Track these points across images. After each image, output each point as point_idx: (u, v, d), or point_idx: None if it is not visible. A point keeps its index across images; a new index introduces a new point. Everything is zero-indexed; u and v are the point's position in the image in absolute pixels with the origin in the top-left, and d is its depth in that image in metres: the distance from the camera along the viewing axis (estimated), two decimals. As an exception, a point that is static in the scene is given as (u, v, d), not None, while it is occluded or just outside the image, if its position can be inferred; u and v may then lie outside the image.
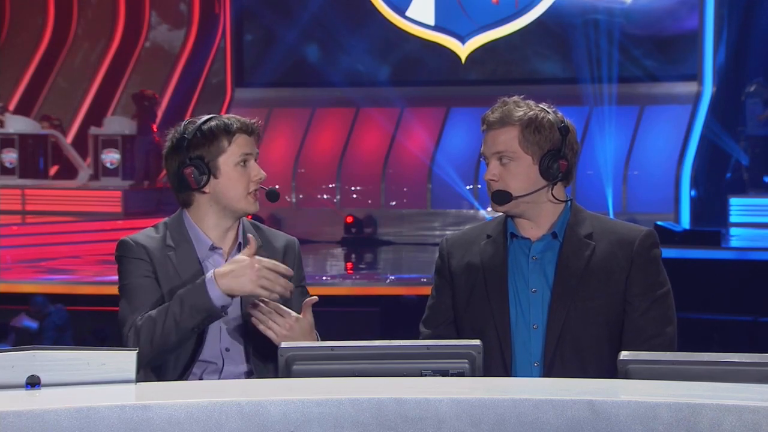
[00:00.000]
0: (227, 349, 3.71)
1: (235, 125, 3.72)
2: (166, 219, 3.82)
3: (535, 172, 3.58)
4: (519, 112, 3.59)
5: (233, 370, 3.71)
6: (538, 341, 3.56)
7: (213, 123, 3.72)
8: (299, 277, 3.83)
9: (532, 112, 3.60)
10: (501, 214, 3.68)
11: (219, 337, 3.71)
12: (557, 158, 3.58)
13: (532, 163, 3.58)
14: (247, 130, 3.74)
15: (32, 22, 20.64)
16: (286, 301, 3.77)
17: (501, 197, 3.58)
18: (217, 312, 3.56)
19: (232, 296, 3.57)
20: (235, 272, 3.54)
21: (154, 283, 3.71)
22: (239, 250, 3.76)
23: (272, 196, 3.81)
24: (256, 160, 3.77)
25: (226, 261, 3.74)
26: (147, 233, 3.79)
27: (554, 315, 3.55)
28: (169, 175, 3.78)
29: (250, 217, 3.87)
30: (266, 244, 3.80)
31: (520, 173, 3.58)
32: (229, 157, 3.72)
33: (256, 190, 3.76)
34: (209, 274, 3.57)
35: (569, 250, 3.59)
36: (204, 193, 3.73)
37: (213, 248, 3.75)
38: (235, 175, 3.72)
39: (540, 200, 3.60)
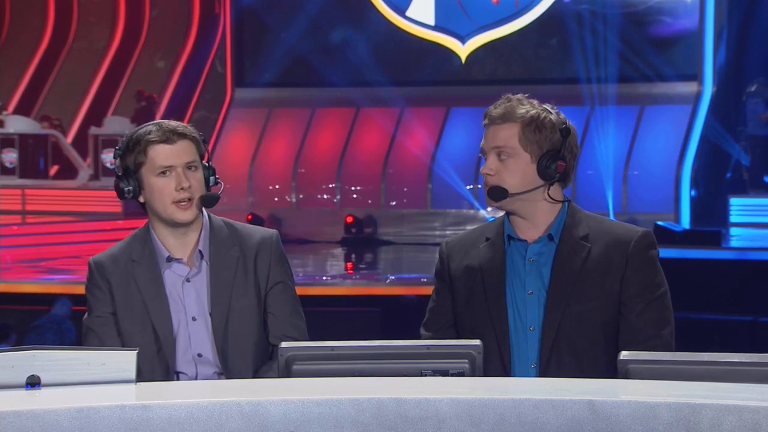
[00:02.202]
0: (200, 355, 3.69)
1: (148, 136, 3.65)
2: (138, 229, 3.80)
3: (533, 171, 3.58)
4: (522, 110, 3.59)
5: (207, 372, 3.68)
6: (534, 343, 3.56)
7: (137, 132, 3.68)
8: (277, 273, 3.76)
9: (534, 111, 3.59)
10: (501, 215, 3.68)
11: (189, 345, 3.69)
12: (556, 159, 3.57)
13: (530, 161, 3.58)
14: (167, 139, 3.65)
15: (32, 22, 20.64)
16: (265, 299, 3.75)
17: (496, 193, 3.58)
18: None
19: None
20: None
21: (107, 323, 3.69)
22: (201, 257, 3.71)
23: (208, 200, 3.70)
24: (191, 168, 3.66)
25: (190, 270, 3.71)
26: (114, 249, 3.78)
27: (550, 317, 3.54)
28: None
29: (250, 217, 3.83)
30: (240, 245, 3.74)
31: (517, 170, 3.58)
32: (148, 168, 3.66)
33: (186, 199, 3.66)
34: None
35: (565, 251, 3.58)
36: (141, 202, 3.72)
37: (171, 259, 3.72)
38: (157, 186, 3.66)
39: (536, 199, 3.60)
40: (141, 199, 3.71)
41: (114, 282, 3.69)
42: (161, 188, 3.65)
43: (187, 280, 3.72)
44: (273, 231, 3.82)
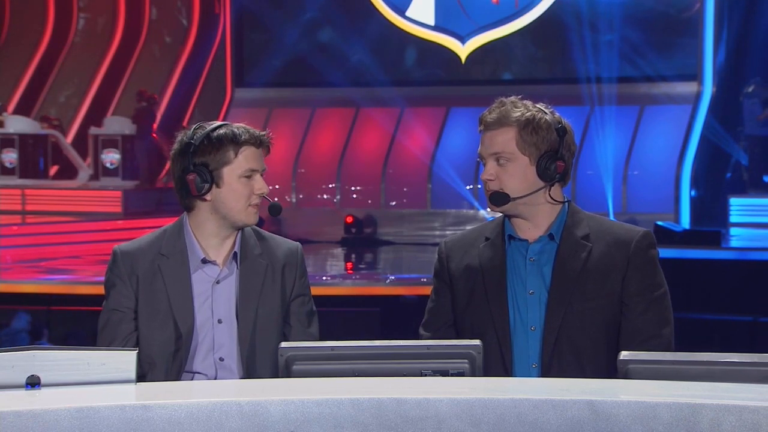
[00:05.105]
0: (221, 359, 3.68)
1: (243, 137, 3.69)
2: (168, 225, 3.80)
3: (533, 173, 3.57)
4: (516, 113, 3.58)
5: (226, 378, 3.66)
6: (536, 343, 3.56)
7: (222, 131, 3.68)
8: (300, 286, 3.79)
9: (529, 113, 3.59)
10: (500, 215, 3.68)
11: (212, 347, 3.68)
12: (555, 159, 3.57)
13: (530, 163, 3.57)
14: (255, 142, 3.70)
15: (32, 22, 20.64)
16: (284, 310, 3.75)
17: (499, 198, 3.58)
18: None
19: None
20: None
21: (125, 319, 3.70)
22: (235, 260, 3.73)
23: (274, 210, 3.76)
24: (262, 174, 3.73)
25: (220, 272, 3.72)
26: (142, 241, 3.77)
27: (551, 316, 3.54)
28: (173, 178, 3.76)
29: None
30: (267, 254, 3.76)
31: (517, 174, 3.57)
32: (234, 169, 3.68)
33: (257, 203, 3.72)
34: None
35: (566, 251, 3.58)
36: (205, 200, 3.70)
37: (205, 261, 3.72)
38: (238, 187, 3.69)
39: (537, 201, 3.60)
40: (207, 198, 3.69)
41: (141, 275, 3.68)
42: (241, 190, 3.69)
43: (217, 282, 3.71)
44: (297, 243, 3.86)
